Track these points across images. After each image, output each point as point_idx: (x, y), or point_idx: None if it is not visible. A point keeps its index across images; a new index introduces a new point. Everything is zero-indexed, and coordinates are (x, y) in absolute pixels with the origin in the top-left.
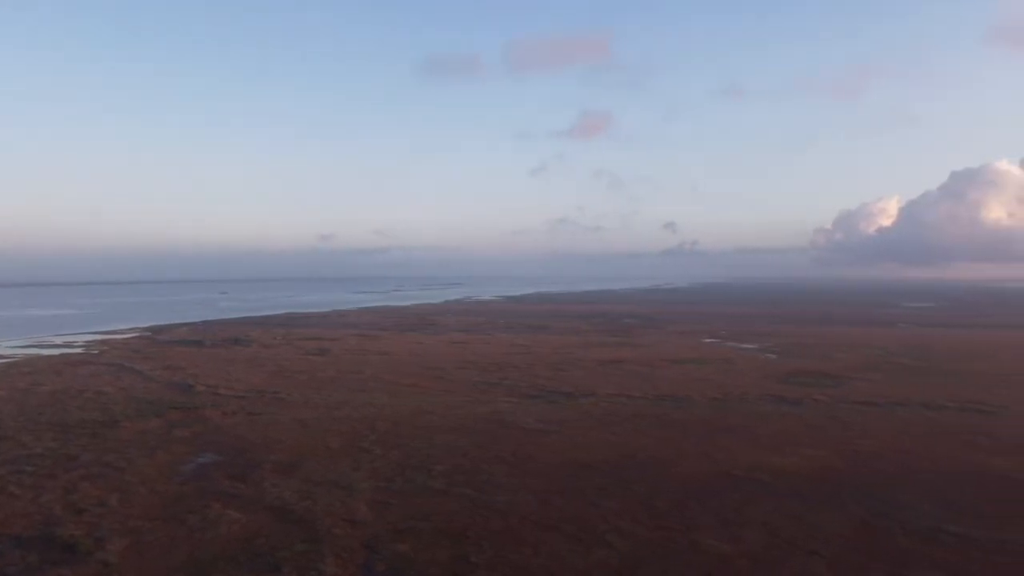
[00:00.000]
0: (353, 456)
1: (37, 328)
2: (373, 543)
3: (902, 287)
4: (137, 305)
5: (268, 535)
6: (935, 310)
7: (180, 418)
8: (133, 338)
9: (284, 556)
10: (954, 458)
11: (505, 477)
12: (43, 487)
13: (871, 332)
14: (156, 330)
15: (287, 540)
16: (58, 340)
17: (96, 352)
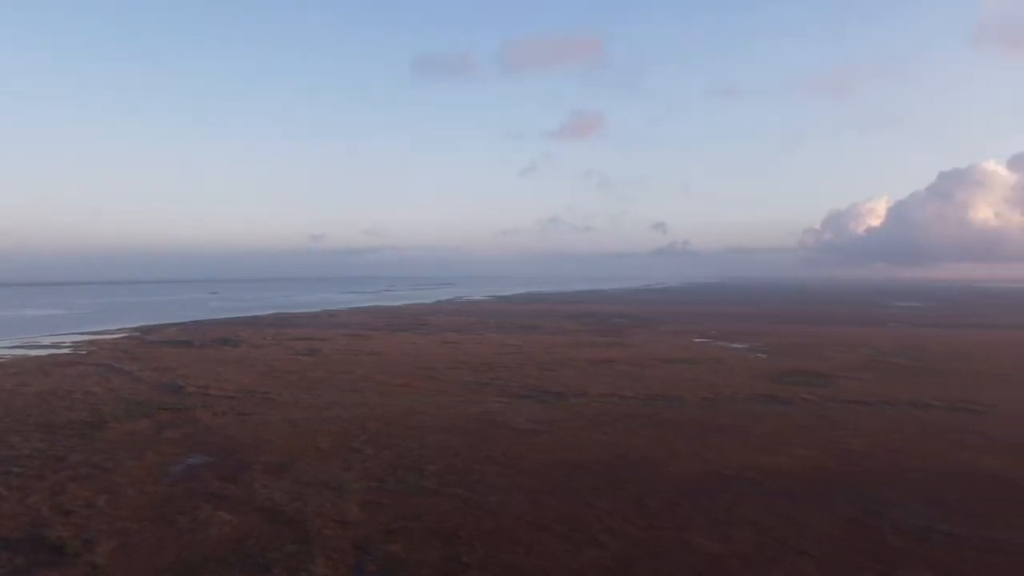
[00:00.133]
0: (344, 456)
1: (26, 328)
2: (364, 544)
3: (891, 287)
4: (125, 305)
5: (258, 536)
6: (924, 310)
7: (169, 419)
8: (122, 338)
9: (274, 557)
10: (944, 457)
11: (497, 477)
12: (31, 488)
13: (861, 332)
14: (145, 330)
15: (277, 541)
16: (46, 340)
17: (84, 352)
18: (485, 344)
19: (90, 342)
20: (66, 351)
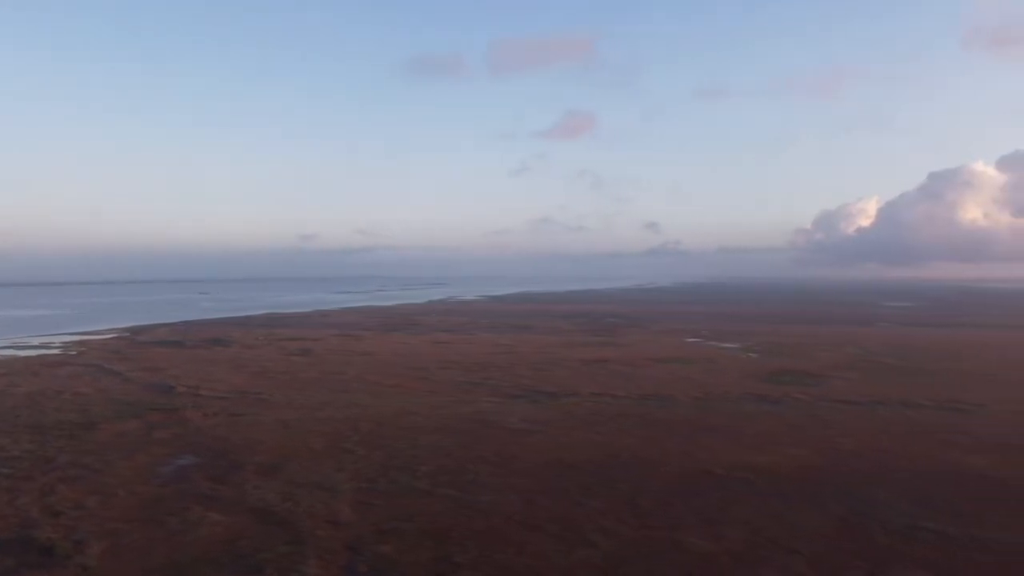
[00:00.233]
0: (336, 457)
1: (16, 329)
2: (356, 544)
3: (881, 287)
4: (115, 306)
5: (250, 537)
6: (914, 309)
7: (160, 419)
8: (112, 339)
9: (266, 558)
10: (932, 457)
11: (489, 477)
12: (20, 489)
13: (851, 331)
14: (135, 331)
15: (269, 542)
16: (35, 341)
17: (74, 353)
18: (477, 344)
19: (80, 342)
20: (56, 352)
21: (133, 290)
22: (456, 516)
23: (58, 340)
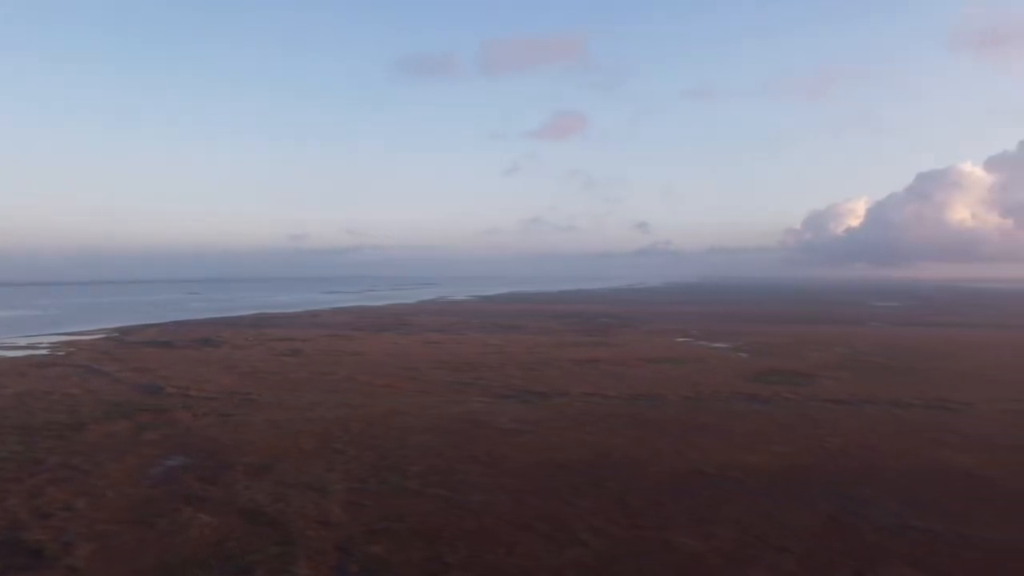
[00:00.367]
0: (327, 457)
1: (3, 329)
2: (347, 545)
3: (870, 286)
4: (103, 306)
5: (239, 538)
6: (902, 309)
7: (149, 420)
8: (101, 339)
9: (256, 559)
10: (920, 455)
11: (479, 477)
12: (8, 491)
13: (840, 331)
14: (124, 331)
15: (259, 543)
16: (23, 341)
17: (62, 354)
18: (468, 344)
19: (68, 343)
20: (44, 352)
21: (125, 290)
22: (447, 516)
23: (46, 340)
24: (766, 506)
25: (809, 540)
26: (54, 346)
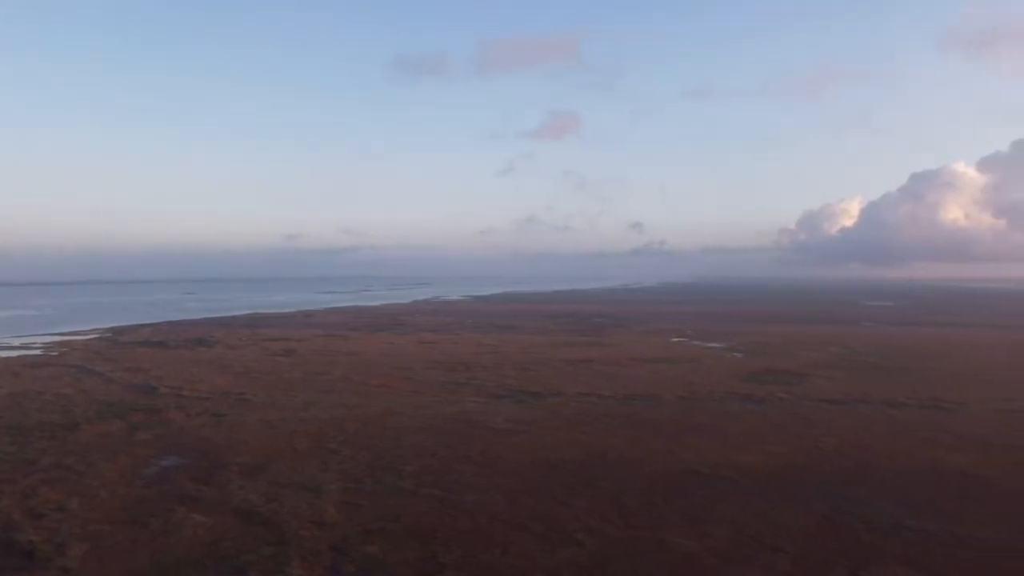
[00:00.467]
0: (321, 457)
1: None
2: (341, 545)
3: (864, 286)
4: (99, 306)
5: (233, 538)
6: (896, 309)
7: (143, 420)
8: (94, 339)
9: (250, 559)
10: (914, 455)
11: (474, 477)
12: (0, 492)
13: (834, 331)
14: (118, 331)
15: (253, 543)
16: (16, 342)
17: (56, 354)
18: (463, 344)
19: (61, 343)
20: (37, 352)
21: (124, 290)
22: (441, 516)
23: (40, 341)
24: (760, 506)
25: (803, 540)
26: (48, 346)
